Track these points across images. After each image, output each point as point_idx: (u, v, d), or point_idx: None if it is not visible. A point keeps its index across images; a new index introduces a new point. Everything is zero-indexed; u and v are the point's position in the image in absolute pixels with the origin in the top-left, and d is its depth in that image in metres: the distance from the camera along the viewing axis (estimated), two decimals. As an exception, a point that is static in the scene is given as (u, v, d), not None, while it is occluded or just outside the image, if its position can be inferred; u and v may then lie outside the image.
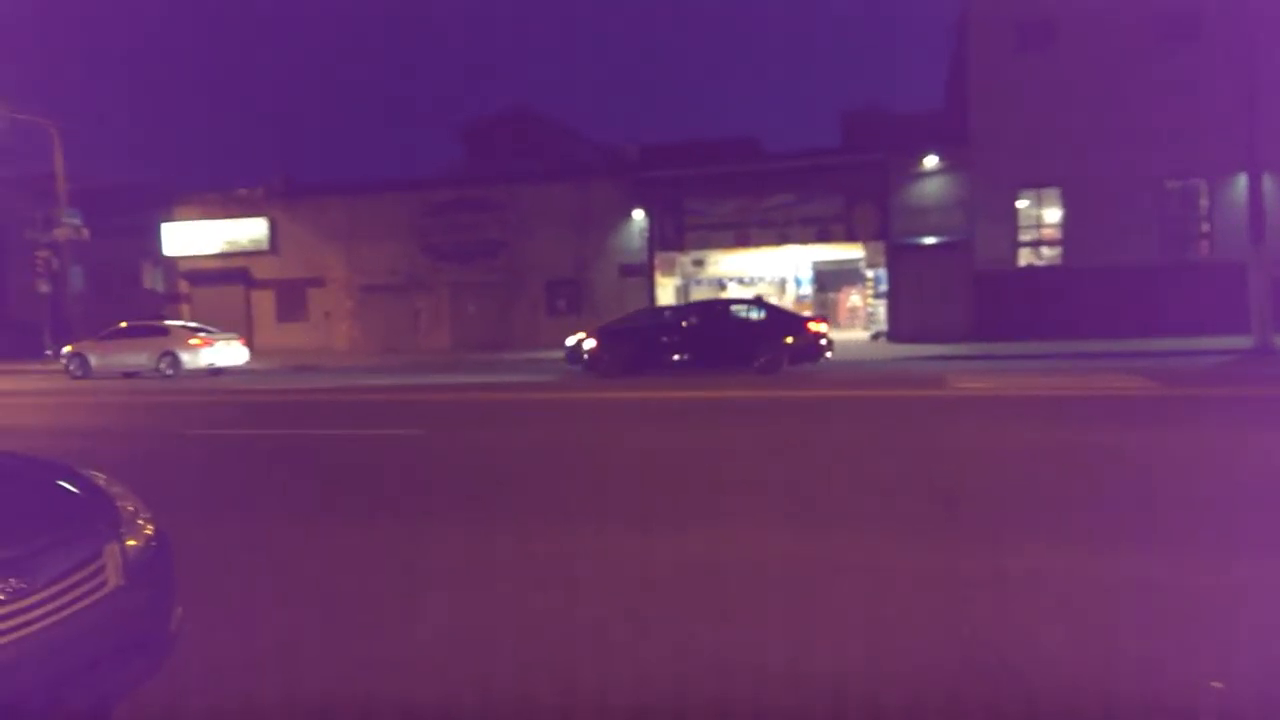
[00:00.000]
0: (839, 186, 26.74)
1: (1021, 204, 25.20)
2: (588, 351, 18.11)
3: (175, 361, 22.50)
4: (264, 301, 32.35)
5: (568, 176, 30.08)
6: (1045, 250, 25.29)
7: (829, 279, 32.27)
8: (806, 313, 18.45)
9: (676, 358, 17.62)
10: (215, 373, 23.05)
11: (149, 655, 3.33)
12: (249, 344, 32.00)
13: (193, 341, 22.83)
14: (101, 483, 3.71)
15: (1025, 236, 25.26)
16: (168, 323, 24.35)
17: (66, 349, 23.98)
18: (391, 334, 30.69)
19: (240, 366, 23.84)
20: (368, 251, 31.10)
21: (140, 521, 3.57)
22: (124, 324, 24.00)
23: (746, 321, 18.28)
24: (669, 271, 29.96)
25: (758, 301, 20.02)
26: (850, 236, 27.37)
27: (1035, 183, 24.96)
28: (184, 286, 33.22)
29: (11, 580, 2.82)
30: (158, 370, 22.53)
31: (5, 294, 45.38)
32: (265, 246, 32.26)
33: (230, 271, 32.46)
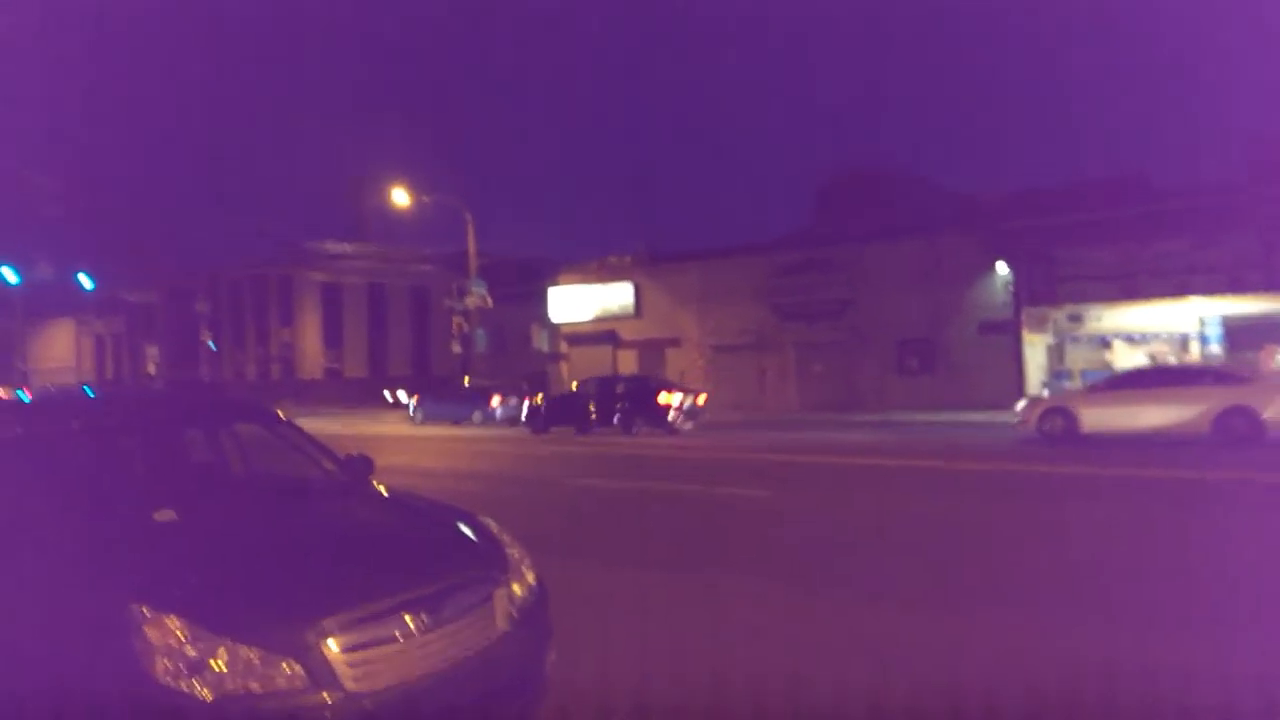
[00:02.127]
0: (1253, 226, 22.77)
1: None
2: (526, 413, 24.59)
3: None
4: (628, 360, 35.01)
5: (918, 231, 28.96)
6: None
7: (1244, 335, 27.37)
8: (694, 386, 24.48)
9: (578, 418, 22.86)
10: None
11: (527, 698, 3.61)
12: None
13: None
14: (494, 530, 4.15)
15: None
16: None
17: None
18: (741, 393, 31.53)
19: None
20: (719, 313, 32.43)
21: (524, 569, 3.92)
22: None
23: (615, 394, 22.65)
24: (1039, 328, 27.41)
25: (632, 378, 25.49)
26: (1271, 285, 23.10)
27: None
28: (564, 347, 37.14)
29: (423, 615, 3.23)
30: None
31: (429, 354, 54.18)
32: (631, 310, 35.03)
33: (601, 333, 35.67)
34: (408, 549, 3.80)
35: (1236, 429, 14.40)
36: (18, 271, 44.18)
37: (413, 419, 29.46)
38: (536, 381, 31.81)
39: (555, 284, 37.28)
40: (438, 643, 3.22)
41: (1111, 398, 16.06)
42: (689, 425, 21.69)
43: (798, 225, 40.31)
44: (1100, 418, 15.80)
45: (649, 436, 20.74)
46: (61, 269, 44.80)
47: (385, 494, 4.64)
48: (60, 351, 69.45)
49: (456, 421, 28.28)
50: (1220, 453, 13.32)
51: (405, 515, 4.33)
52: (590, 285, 36.27)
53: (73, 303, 61.24)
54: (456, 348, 33.61)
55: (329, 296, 54.74)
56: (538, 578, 3.97)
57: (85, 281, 46.66)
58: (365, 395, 46.13)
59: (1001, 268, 26.83)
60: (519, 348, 38.82)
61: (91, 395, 23.15)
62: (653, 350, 34.34)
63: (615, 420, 21.89)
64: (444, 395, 30.56)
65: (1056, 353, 28.12)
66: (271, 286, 55.02)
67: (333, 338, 55.02)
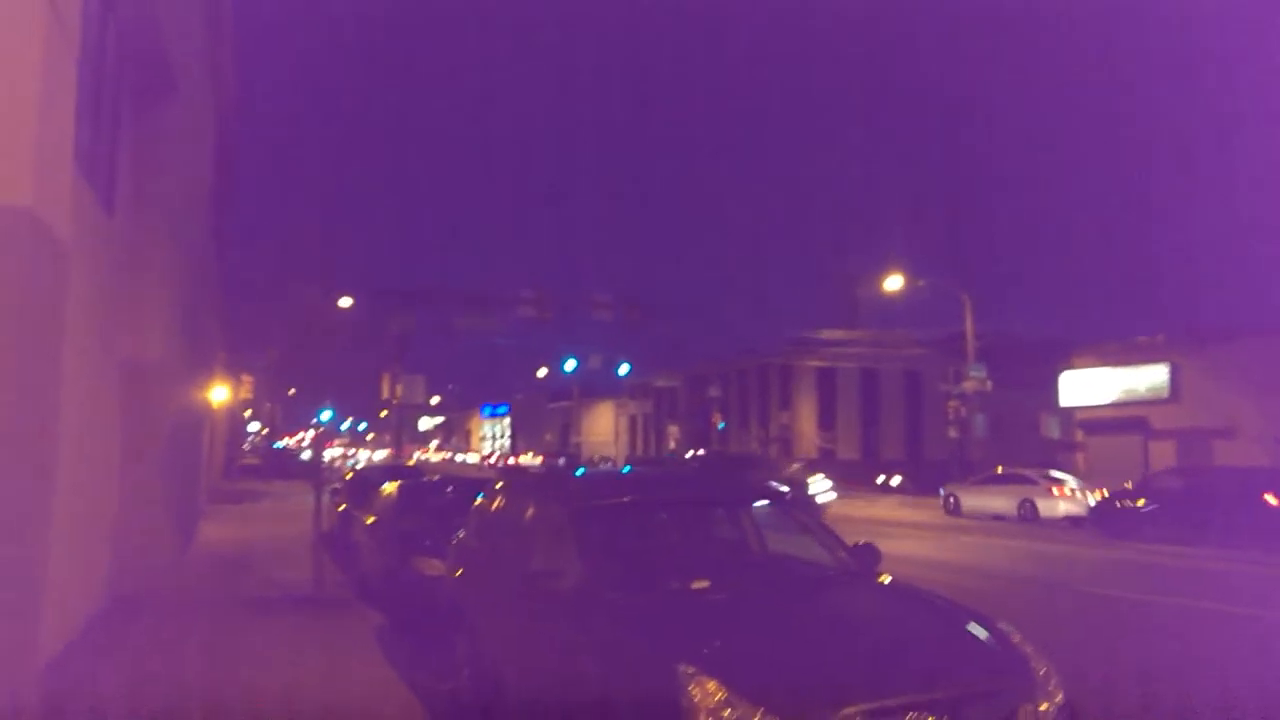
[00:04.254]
0: None
1: None
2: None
3: None
4: (1163, 452, 30.20)
5: None
6: None
7: None
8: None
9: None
10: None
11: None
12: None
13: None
14: (1016, 640, 3.82)
15: None
16: None
17: None
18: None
19: None
20: (1292, 398, 26.44)
21: (1052, 687, 3.54)
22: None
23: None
24: None
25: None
26: None
27: None
28: (1079, 435, 33.50)
29: (944, 718, 3.07)
30: None
31: (920, 436, 52.93)
32: (1164, 394, 30.37)
33: (1126, 420, 31.42)
34: (924, 647, 3.65)
35: (1027, 513, 22.57)
36: (577, 362, 54.44)
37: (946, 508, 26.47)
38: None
39: (1068, 367, 33.98)
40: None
41: (974, 490, 24.86)
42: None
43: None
44: (969, 502, 24.62)
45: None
46: (607, 360, 53.86)
47: (894, 586, 4.58)
48: (602, 427, 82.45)
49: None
50: (1015, 527, 21.51)
51: (919, 611, 4.19)
52: (1112, 369, 32.36)
53: (613, 387, 72.66)
54: (953, 432, 32.31)
55: (824, 381, 56.94)
56: (1067, 699, 3.56)
57: (623, 370, 55.41)
58: (859, 476, 46.53)
59: None
60: (1021, 434, 35.97)
61: (629, 473, 26.79)
62: (1197, 441, 29.16)
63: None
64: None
65: None
66: (772, 373, 59.16)
67: (827, 420, 56.91)
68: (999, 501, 23.54)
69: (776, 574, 4.73)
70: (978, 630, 3.78)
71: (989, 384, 31.07)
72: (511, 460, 58.82)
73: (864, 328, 56.25)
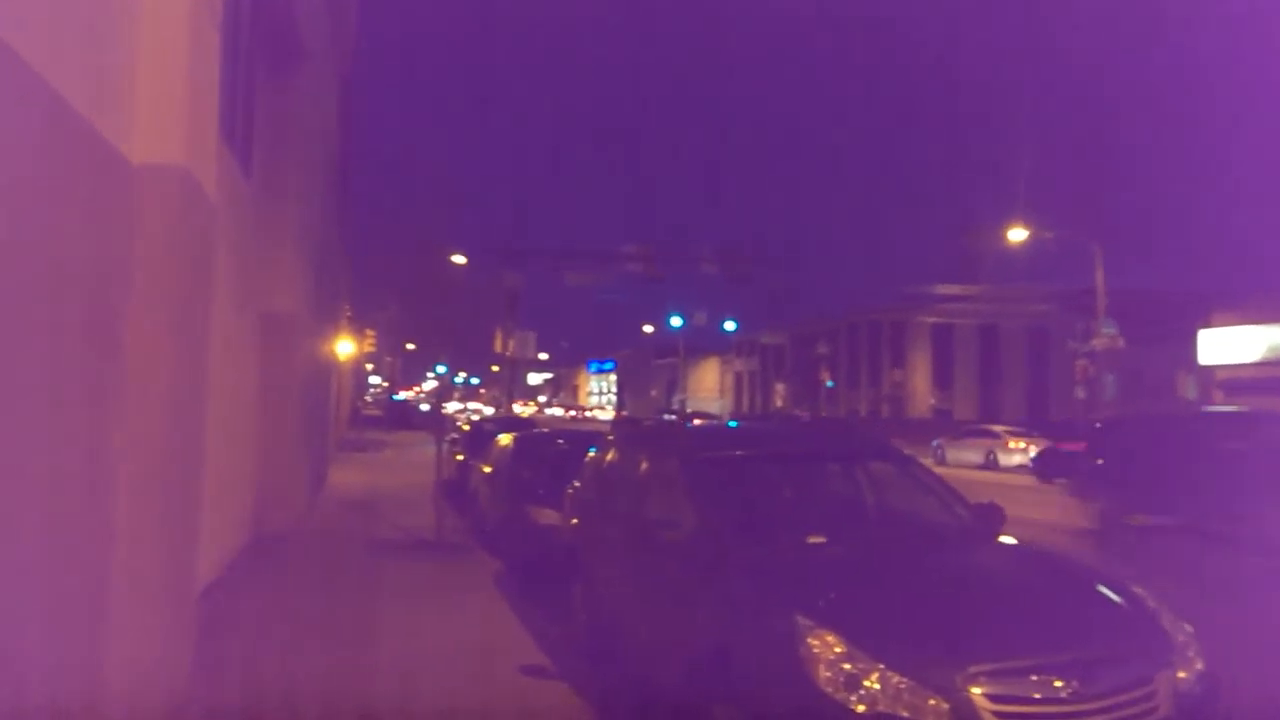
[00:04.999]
0: None
1: None
2: None
3: None
4: (1313, 416, 28.11)
5: None
6: None
7: None
8: None
9: None
10: None
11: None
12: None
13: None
14: (1152, 604, 3.66)
15: None
16: None
17: None
18: None
19: None
20: None
21: (1191, 654, 3.39)
22: None
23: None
24: None
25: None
26: None
27: None
28: (1218, 397, 31.46)
29: (1074, 681, 2.99)
30: None
31: (1045, 396, 50.74)
32: (1319, 353, 28.17)
33: (1271, 381, 29.27)
34: (1052, 608, 3.53)
35: (990, 462, 27.60)
36: (683, 318, 54.35)
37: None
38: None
39: (1208, 324, 31.84)
40: (1091, 715, 2.96)
41: (955, 443, 29.85)
42: None
43: None
44: (952, 454, 29.10)
45: None
46: (712, 317, 53.60)
47: (1020, 547, 4.46)
48: (708, 384, 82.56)
49: None
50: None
51: (1047, 571, 4.06)
52: (1255, 325, 30.16)
53: (719, 344, 72.48)
54: (1080, 393, 30.81)
55: (940, 338, 55.16)
56: (1209, 667, 3.40)
57: (729, 326, 55.10)
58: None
59: None
60: (1157, 394, 34.03)
61: (734, 427, 26.67)
62: (1352, 405, 26.96)
63: None
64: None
65: None
66: (884, 330, 57.58)
67: (942, 378, 55.21)
68: (970, 453, 28.46)
69: (895, 531, 4.66)
70: (1109, 593, 3.65)
71: (1121, 341, 29.38)
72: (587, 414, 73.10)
73: (984, 282, 54.00)
